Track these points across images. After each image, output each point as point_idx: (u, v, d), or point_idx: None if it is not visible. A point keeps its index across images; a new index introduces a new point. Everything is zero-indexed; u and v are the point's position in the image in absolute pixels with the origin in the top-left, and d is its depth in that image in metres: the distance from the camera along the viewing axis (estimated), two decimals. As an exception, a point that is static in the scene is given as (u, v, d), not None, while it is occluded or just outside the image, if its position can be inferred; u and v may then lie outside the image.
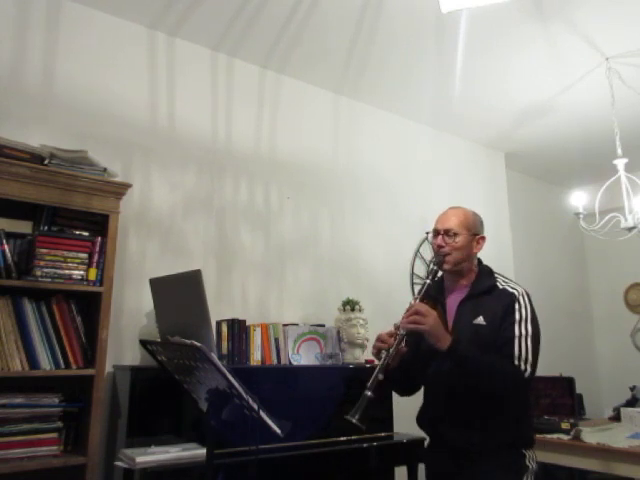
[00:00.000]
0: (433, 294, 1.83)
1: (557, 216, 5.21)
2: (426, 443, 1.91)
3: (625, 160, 3.26)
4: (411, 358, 1.76)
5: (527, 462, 1.68)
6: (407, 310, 1.67)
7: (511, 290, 1.73)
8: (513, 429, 1.68)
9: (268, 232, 3.16)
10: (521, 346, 1.63)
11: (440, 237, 1.78)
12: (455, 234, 1.76)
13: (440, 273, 1.86)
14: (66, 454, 2.13)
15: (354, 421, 1.51)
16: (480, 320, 1.70)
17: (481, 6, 2.52)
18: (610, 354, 5.31)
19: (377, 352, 1.66)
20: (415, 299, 1.72)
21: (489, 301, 1.72)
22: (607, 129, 3.62)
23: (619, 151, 3.30)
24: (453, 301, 1.80)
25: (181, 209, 2.86)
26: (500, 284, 1.76)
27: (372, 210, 3.68)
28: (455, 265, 1.77)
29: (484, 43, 3.08)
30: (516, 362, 1.61)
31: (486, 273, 1.82)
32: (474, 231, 1.80)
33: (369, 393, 1.55)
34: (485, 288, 1.75)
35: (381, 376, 1.58)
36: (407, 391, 1.91)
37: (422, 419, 1.86)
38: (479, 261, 1.87)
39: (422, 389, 1.89)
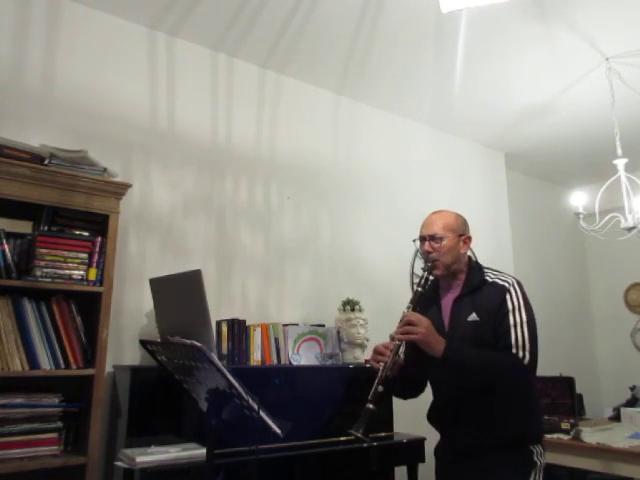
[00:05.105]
0: (429, 295, 1.86)
1: (557, 216, 5.21)
2: (437, 441, 1.92)
3: (625, 160, 3.26)
4: (414, 360, 1.78)
5: (535, 458, 1.69)
6: (400, 320, 1.70)
7: (501, 283, 1.75)
8: (521, 425, 1.69)
9: (268, 232, 3.16)
10: (517, 334, 1.65)
11: (427, 243, 1.80)
12: (441, 238, 1.78)
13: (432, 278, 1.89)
14: (66, 454, 2.13)
15: (359, 435, 1.54)
16: (474, 317, 1.72)
17: (481, 6, 2.52)
18: (610, 354, 5.31)
19: (375, 365, 1.69)
20: (407, 308, 1.75)
21: (481, 297, 1.75)
22: (607, 129, 3.62)
23: (619, 151, 3.30)
24: (448, 300, 1.83)
25: (181, 209, 2.86)
26: (490, 277, 1.79)
27: (372, 210, 3.68)
28: (446, 269, 1.79)
29: (484, 43, 3.08)
30: (514, 350, 1.63)
31: (476, 270, 1.84)
32: (459, 232, 1.82)
33: (371, 406, 1.59)
34: (476, 284, 1.78)
35: (381, 388, 1.62)
36: (412, 394, 1.92)
37: (432, 416, 1.88)
38: (469, 259, 1.89)
39: (429, 388, 1.91)
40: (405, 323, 1.67)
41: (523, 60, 3.27)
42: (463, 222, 1.86)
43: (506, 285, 1.74)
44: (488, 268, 1.85)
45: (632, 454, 2.55)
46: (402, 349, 1.75)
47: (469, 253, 1.90)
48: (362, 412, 1.58)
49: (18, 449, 2.01)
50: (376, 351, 1.71)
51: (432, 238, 1.79)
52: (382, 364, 1.66)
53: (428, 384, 1.92)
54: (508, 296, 1.71)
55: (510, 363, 1.63)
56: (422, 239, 1.83)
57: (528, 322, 1.67)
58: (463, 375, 1.65)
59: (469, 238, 1.85)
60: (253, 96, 3.27)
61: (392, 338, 1.69)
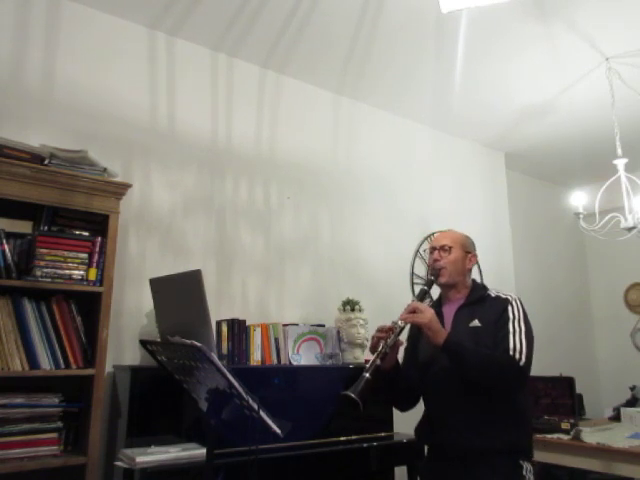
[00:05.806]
0: (433, 308, 1.95)
1: (557, 216, 5.21)
2: (425, 454, 1.94)
3: (625, 160, 3.26)
4: (410, 368, 1.90)
5: (524, 473, 1.72)
6: (406, 308, 1.78)
7: (504, 296, 1.88)
8: (512, 434, 1.72)
9: (268, 232, 3.16)
10: (515, 340, 1.73)
11: (436, 252, 1.94)
12: (450, 248, 1.92)
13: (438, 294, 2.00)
14: (66, 454, 2.13)
15: (353, 396, 1.57)
16: (476, 323, 1.82)
17: (481, 6, 2.52)
18: (610, 354, 5.31)
19: (376, 342, 1.75)
20: (413, 300, 1.84)
21: (484, 307, 1.86)
22: (607, 129, 3.62)
23: (619, 151, 3.30)
24: (450, 310, 1.92)
25: (181, 209, 2.86)
26: (492, 293, 1.92)
27: (372, 210, 3.67)
28: (450, 278, 1.91)
29: (484, 43, 3.08)
30: (511, 353, 1.70)
31: (479, 287, 1.98)
32: (466, 249, 1.96)
33: (367, 375, 1.64)
34: (479, 297, 1.90)
35: (379, 361, 1.69)
36: (406, 403, 1.97)
37: (421, 429, 1.92)
38: (473, 280, 2.01)
39: (422, 403, 1.94)
40: (411, 310, 1.75)
41: (523, 60, 3.27)
42: (471, 242, 2.01)
43: (509, 299, 1.86)
44: (492, 288, 1.97)
45: (632, 454, 2.55)
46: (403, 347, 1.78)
47: (480, 281, 1.97)
48: (358, 379, 1.63)
49: (18, 449, 2.01)
50: (379, 329, 1.77)
51: (442, 248, 1.93)
52: (383, 342, 1.73)
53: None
54: (510, 307, 1.82)
55: (506, 361, 1.70)
56: (432, 250, 1.96)
57: (526, 332, 1.75)
58: (460, 365, 1.71)
59: (474, 256, 1.99)
60: (253, 96, 3.27)
61: (395, 323, 1.76)
